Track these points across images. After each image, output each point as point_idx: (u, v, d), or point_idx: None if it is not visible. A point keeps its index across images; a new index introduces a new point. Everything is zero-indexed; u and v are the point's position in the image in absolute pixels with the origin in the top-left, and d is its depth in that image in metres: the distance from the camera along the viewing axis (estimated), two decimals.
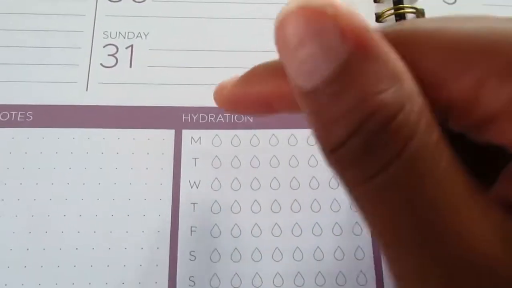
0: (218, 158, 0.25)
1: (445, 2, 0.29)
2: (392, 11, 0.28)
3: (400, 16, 0.29)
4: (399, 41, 0.12)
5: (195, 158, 0.25)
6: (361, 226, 0.24)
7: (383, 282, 0.23)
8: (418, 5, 0.29)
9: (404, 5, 0.29)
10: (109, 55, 0.27)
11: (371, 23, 0.29)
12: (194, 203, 0.24)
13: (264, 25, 0.28)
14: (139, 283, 0.23)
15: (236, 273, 0.23)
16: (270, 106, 0.16)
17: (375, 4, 0.29)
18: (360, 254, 0.24)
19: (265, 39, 0.28)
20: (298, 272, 0.23)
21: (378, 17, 0.29)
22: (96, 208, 0.24)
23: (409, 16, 0.29)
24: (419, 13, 0.29)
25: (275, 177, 0.25)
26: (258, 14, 0.28)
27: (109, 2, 0.28)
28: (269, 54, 0.27)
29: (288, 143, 0.26)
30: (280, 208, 0.24)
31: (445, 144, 0.12)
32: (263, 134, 0.26)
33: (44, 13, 0.28)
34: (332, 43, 0.11)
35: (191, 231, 0.24)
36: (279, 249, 0.24)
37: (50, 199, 0.24)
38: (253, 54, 0.27)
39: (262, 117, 0.25)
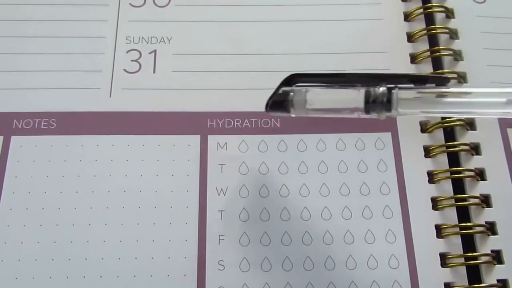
0: (245, 164, 0.24)
1: (475, 2, 0.28)
2: (421, 10, 0.27)
3: (429, 16, 0.28)
4: None
5: (222, 164, 0.24)
6: (395, 235, 0.23)
7: None
8: (448, 4, 0.28)
9: (433, 4, 0.28)
10: (132, 60, 0.27)
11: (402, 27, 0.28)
12: (221, 211, 0.24)
13: (290, 28, 0.28)
14: None
15: (266, 283, 0.22)
16: None
17: (403, 3, 0.28)
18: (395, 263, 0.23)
19: (291, 42, 0.27)
20: (331, 282, 0.22)
21: (407, 17, 0.28)
22: (122, 216, 0.23)
23: (439, 15, 0.28)
24: (449, 12, 0.28)
25: (304, 184, 0.24)
26: (284, 16, 0.28)
27: (131, 7, 0.28)
28: (292, 56, 0.26)
29: (317, 148, 0.25)
30: (310, 215, 0.24)
31: None
32: (291, 139, 0.25)
33: (66, 20, 0.27)
34: None
35: (219, 239, 0.23)
36: (310, 258, 0.23)
37: (75, 208, 0.23)
38: (279, 57, 0.27)
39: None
